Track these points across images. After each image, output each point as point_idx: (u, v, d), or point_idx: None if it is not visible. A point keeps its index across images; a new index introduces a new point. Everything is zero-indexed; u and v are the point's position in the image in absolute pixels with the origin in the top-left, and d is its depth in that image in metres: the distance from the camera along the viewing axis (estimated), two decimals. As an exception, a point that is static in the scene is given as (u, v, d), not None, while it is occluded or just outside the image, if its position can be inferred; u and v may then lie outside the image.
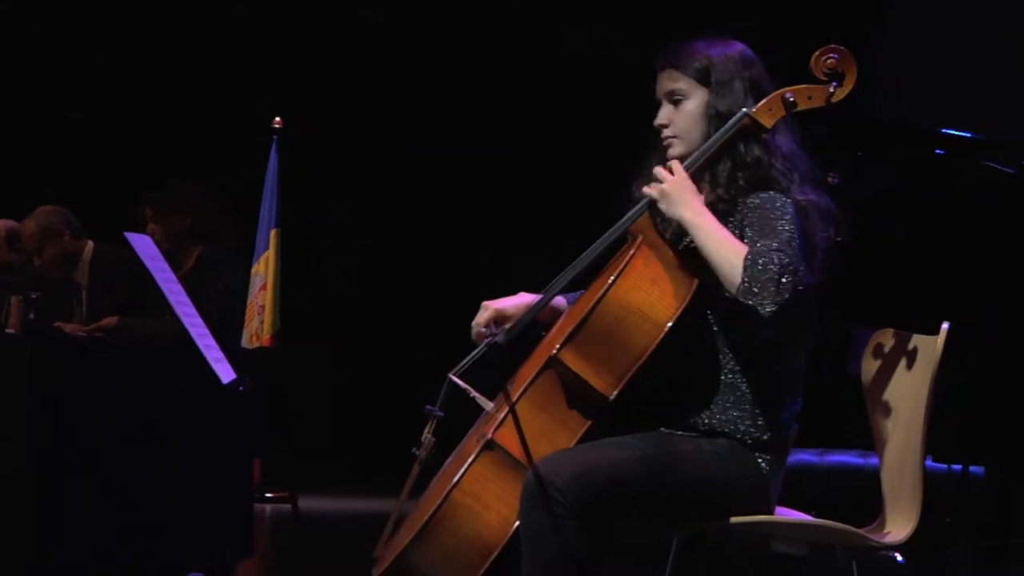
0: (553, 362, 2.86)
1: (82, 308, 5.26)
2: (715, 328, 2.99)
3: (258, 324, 5.43)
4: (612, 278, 2.88)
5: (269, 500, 5.06)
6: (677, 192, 2.95)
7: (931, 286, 4.05)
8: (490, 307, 3.15)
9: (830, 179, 3.18)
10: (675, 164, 2.98)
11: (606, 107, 5.96)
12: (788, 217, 2.92)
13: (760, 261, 2.82)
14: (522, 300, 3.15)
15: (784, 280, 2.78)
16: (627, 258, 2.91)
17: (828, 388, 3.20)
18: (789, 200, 2.97)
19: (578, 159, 6.31)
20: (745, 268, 2.82)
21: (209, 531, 4.50)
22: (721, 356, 2.98)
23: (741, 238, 2.94)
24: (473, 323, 3.14)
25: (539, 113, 6.45)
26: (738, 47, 3.11)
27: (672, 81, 3.08)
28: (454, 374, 3.02)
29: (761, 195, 2.98)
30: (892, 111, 5.32)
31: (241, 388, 4.34)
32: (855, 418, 3.27)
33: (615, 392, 2.85)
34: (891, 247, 4.05)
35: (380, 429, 6.07)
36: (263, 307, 5.44)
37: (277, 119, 5.43)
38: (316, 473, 5.89)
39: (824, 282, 3.00)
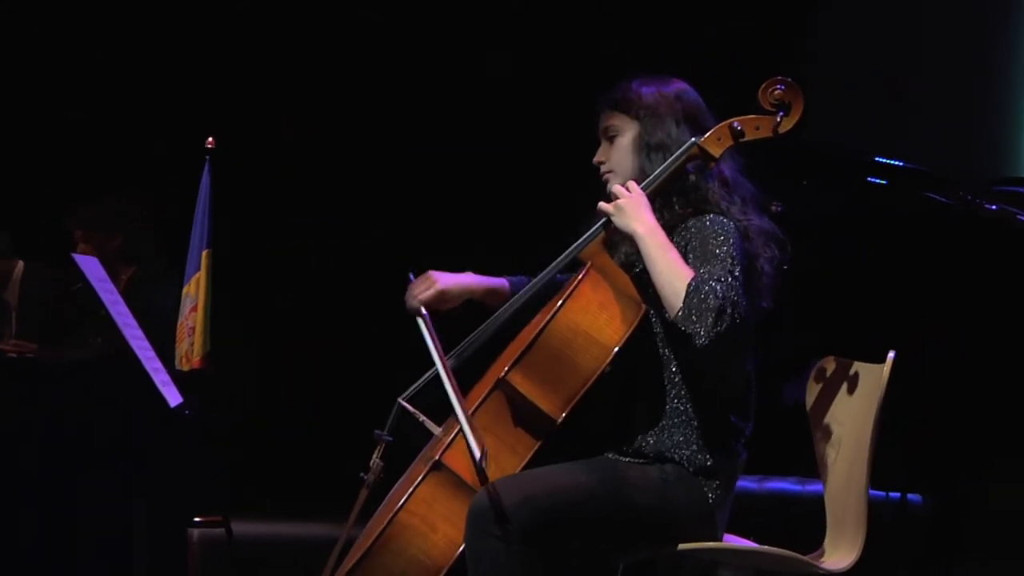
0: (501, 384, 2.88)
1: (11, 328, 5.28)
2: (661, 353, 3.00)
3: (188, 346, 5.27)
4: (560, 301, 2.89)
5: (201, 525, 4.97)
6: (633, 207, 2.95)
7: (870, 314, 4.16)
8: (436, 284, 3.11)
9: (773, 207, 3.22)
10: (632, 183, 3.00)
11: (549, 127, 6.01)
12: (729, 240, 2.92)
13: (703, 290, 2.83)
14: (467, 281, 3.16)
15: (723, 312, 2.80)
16: (576, 282, 2.91)
17: (766, 414, 3.19)
18: (729, 222, 2.98)
19: (523, 180, 6.36)
20: (687, 294, 2.84)
21: (140, 555, 4.44)
22: (667, 381, 2.99)
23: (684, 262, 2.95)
24: (412, 292, 3.10)
25: (483, 128, 6.42)
26: (675, 85, 3.13)
27: (607, 118, 3.13)
28: (403, 399, 3.03)
29: (702, 218, 2.99)
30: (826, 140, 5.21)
31: (187, 412, 4.32)
32: (794, 445, 3.35)
33: (563, 415, 2.86)
34: (827, 275, 4.16)
35: (326, 454, 6.04)
36: (193, 329, 5.29)
37: (210, 139, 5.34)
38: (252, 498, 5.86)
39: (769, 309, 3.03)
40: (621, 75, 3.18)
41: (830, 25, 5.94)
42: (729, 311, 2.79)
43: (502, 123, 6.23)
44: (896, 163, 4.28)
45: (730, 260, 2.91)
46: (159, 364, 4.35)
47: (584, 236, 3.03)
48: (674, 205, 3.04)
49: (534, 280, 3.09)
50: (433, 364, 2.99)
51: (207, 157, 5.36)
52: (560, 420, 2.86)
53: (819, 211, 4.20)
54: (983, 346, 4.00)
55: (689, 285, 2.84)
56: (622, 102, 3.12)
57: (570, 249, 3.03)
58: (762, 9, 5.90)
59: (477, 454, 2.75)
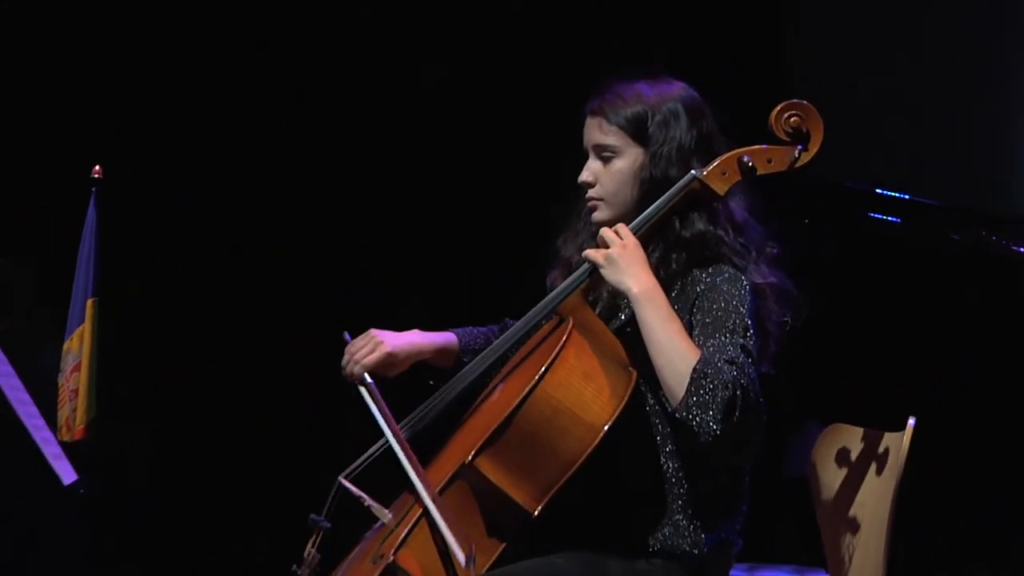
0: (466, 471, 2.81)
1: None
2: (654, 427, 2.95)
3: (70, 412, 5.07)
4: (539, 373, 2.81)
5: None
6: (627, 260, 2.86)
7: (884, 376, 4.12)
8: (382, 345, 3.05)
9: (768, 249, 3.18)
10: (623, 228, 2.91)
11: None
12: (743, 304, 2.86)
13: (709, 373, 2.74)
14: (415, 341, 3.16)
15: (735, 401, 2.73)
16: (557, 347, 2.83)
17: (760, 490, 3.18)
18: (743, 279, 2.93)
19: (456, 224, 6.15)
20: (692, 380, 2.76)
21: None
22: (659, 460, 2.96)
23: (688, 324, 2.86)
24: (353, 356, 3.03)
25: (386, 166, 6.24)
26: (680, 91, 3.04)
27: (602, 134, 3.03)
28: (345, 478, 2.97)
29: (713, 273, 2.91)
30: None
31: (83, 491, 4.27)
32: (792, 527, 3.47)
33: (539, 507, 2.81)
34: (834, 329, 4.10)
35: (249, 543, 5.84)
36: (76, 391, 5.09)
37: (96, 168, 5.17)
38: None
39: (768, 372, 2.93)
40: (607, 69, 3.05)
41: (819, 27, 6.05)
42: (742, 400, 2.71)
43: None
44: (911, 199, 4.26)
45: (743, 331, 2.83)
46: (50, 435, 4.28)
47: (564, 285, 2.95)
48: (672, 255, 2.97)
49: (499, 339, 3.02)
50: (381, 435, 2.94)
51: (93, 189, 5.17)
52: (537, 512, 2.81)
53: (819, 252, 4.14)
54: (1016, 411, 3.99)
55: (695, 368, 2.74)
56: (629, 120, 3.00)
57: (547, 301, 2.95)
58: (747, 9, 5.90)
59: (462, 558, 2.65)
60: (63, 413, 5.09)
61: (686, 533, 2.93)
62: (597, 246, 2.96)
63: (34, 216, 5.87)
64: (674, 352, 2.79)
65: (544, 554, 2.94)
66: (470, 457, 2.82)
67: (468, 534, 2.78)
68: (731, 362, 2.79)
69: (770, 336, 2.99)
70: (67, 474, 4.25)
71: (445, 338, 3.24)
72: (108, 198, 5.14)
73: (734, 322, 2.86)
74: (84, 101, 6.11)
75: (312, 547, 2.98)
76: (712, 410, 2.72)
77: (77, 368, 5.13)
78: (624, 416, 2.86)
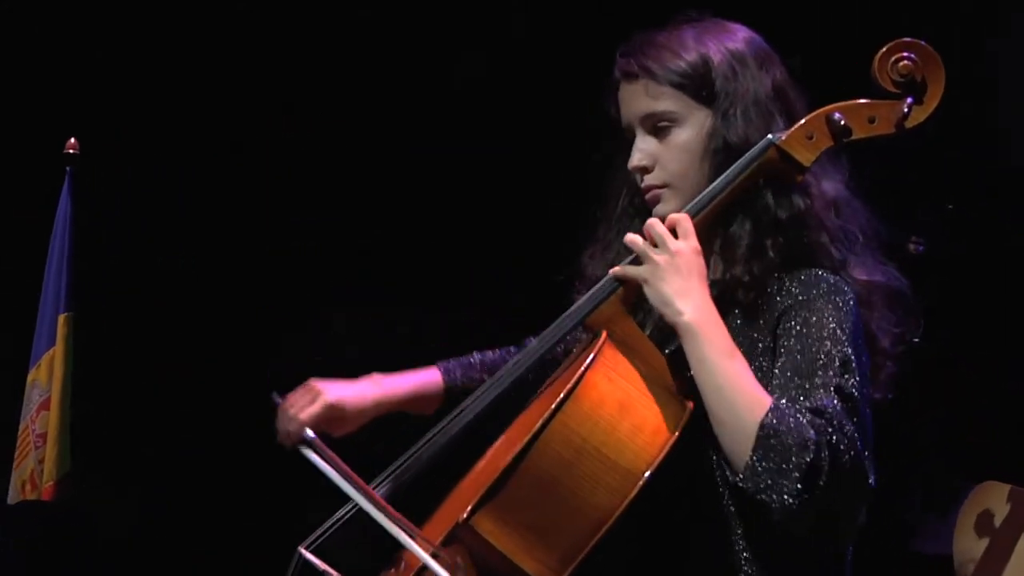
0: (462, 532, 2.69)
1: None
2: (715, 472, 2.81)
3: (35, 464, 5.01)
4: (555, 402, 2.69)
5: None
6: (684, 273, 2.76)
7: None
8: (322, 395, 3.03)
9: (912, 246, 3.24)
10: (685, 222, 2.78)
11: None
12: (845, 323, 2.74)
13: (782, 430, 2.62)
14: (370, 392, 3.11)
15: (822, 466, 2.60)
16: (581, 369, 2.72)
17: (878, 568, 3.12)
18: (847, 288, 2.79)
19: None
20: (760, 439, 2.63)
21: None
22: (724, 528, 2.81)
23: (768, 354, 2.77)
24: (288, 413, 3.01)
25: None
26: (742, 34, 2.95)
27: (652, 99, 2.90)
28: (306, 547, 2.94)
29: (811, 280, 2.80)
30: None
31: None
32: None
33: None
34: (973, 350, 4.02)
35: None
36: (43, 436, 5.01)
37: (71, 141, 5.06)
38: None
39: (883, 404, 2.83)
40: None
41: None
42: (830, 463, 2.60)
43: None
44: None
45: (842, 367, 2.71)
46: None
47: (596, 290, 2.83)
48: (766, 251, 2.84)
49: (512, 363, 2.98)
50: (345, 498, 2.91)
51: (68, 169, 5.13)
52: None
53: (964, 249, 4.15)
54: None
55: (763, 422, 2.63)
56: (686, 74, 2.88)
57: (574, 310, 2.86)
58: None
59: None
60: (24, 467, 5.05)
61: None
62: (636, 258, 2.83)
63: None
64: (736, 400, 2.69)
65: None
66: (465, 515, 2.68)
67: None
68: (818, 412, 2.66)
69: (884, 355, 2.86)
70: None
71: (420, 381, 3.19)
72: (87, 182, 5.16)
73: (829, 354, 2.73)
74: (56, 69, 5.83)
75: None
76: (786, 479, 2.62)
77: (46, 405, 5.08)
78: (674, 461, 2.72)
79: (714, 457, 2.82)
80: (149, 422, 5.63)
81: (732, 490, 2.81)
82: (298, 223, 5.70)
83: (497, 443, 2.97)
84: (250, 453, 5.01)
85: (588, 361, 2.76)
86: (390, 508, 2.84)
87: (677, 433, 2.75)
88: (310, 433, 3.00)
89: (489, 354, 3.27)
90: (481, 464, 2.97)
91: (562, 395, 2.73)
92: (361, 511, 2.89)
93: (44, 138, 5.12)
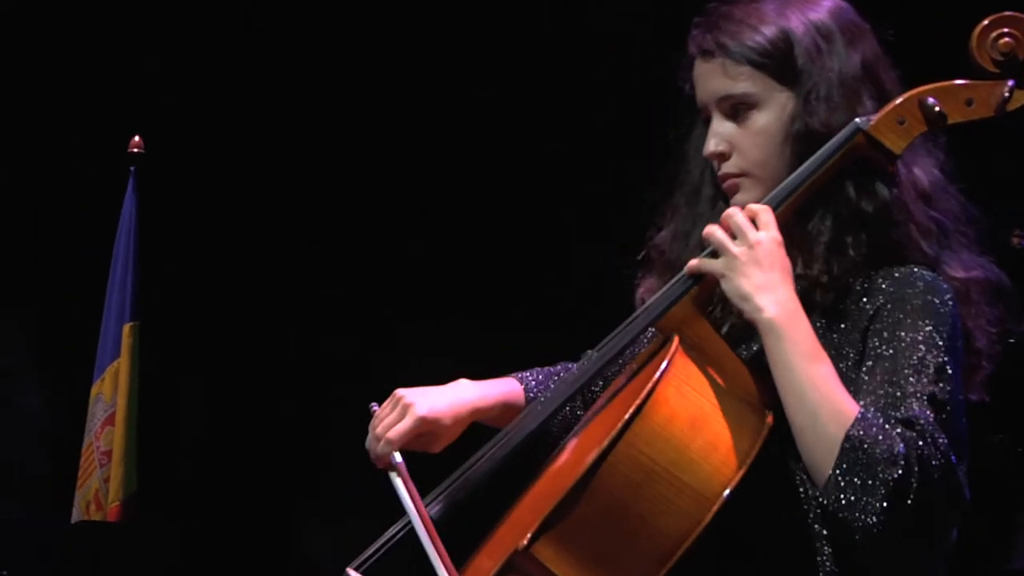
0: (521, 561, 2.64)
1: None
2: (799, 490, 2.76)
3: (99, 483, 4.96)
4: (622, 420, 2.65)
5: None
6: (765, 267, 2.69)
7: None
8: (412, 408, 2.95)
9: (1016, 239, 3.21)
10: (765, 213, 2.72)
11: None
12: (944, 334, 2.68)
13: (869, 442, 2.57)
14: (463, 397, 3.03)
15: (910, 483, 2.55)
16: (651, 381, 2.66)
17: None
18: (946, 287, 2.72)
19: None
20: (844, 451, 2.58)
21: None
22: (810, 553, 2.74)
23: (856, 359, 2.72)
24: (377, 431, 2.95)
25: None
26: (828, 4, 2.86)
27: (729, 79, 2.83)
28: (355, 568, 2.91)
29: (905, 278, 2.74)
30: None
31: None
32: None
33: None
34: None
35: None
36: (108, 454, 4.95)
37: (135, 139, 5.04)
38: None
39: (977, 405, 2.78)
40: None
41: None
42: (919, 479, 2.55)
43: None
44: None
45: (936, 374, 2.65)
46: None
47: (661, 294, 2.79)
48: (847, 238, 2.78)
49: (573, 373, 2.98)
50: (407, 520, 2.88)
51: (132, 169, 5.13)
52: None
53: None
54: None
55: (849, 434, 2.58)
56: (766, 51, 2.81)
57: (642, 312, 2.80)
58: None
59: None
60: (90, 484, 5.04)
61: None
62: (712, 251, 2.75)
63: (42, 209, 5.62)
64: (820, 408, 2.63)
65: None
66: (525, 542, 2.63)
67: None
68: (909, 423, 2.58)
69: (980, 355, 2.77)
70: None
71: (505, 389, 3.09)
72: (152, 182, 5.17)
73: (923, 360, 2.65)
74: (118, 62, 5.80)
75: None
76: (871, 496, 2.56)
77: (110, 421, 5.05)
78: (753, 479, 2.65)
79: (799, 473, 2.76)
80: (220, 438, 5.61)
81: (820, 508, 2.73)
82: (381, 223, 5.65)
83: (558, 460, 2.90)
84: (324, 468, 5.32)
85: (658, 373, 2.67)
86: (437, 538, 2.81)
87: (756, 451, 2.68)
88: (398, 457, 2.90)
89: (554, 368, 3.20)
90: (540, 484, 2.89)
91: (631, 412, 2.64)
92: (413, 536, 2.83)
93: (106, 136, 5.10)
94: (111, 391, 5.04)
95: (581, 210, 5.52)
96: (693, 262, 2.71)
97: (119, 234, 5.08)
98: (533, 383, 3.12)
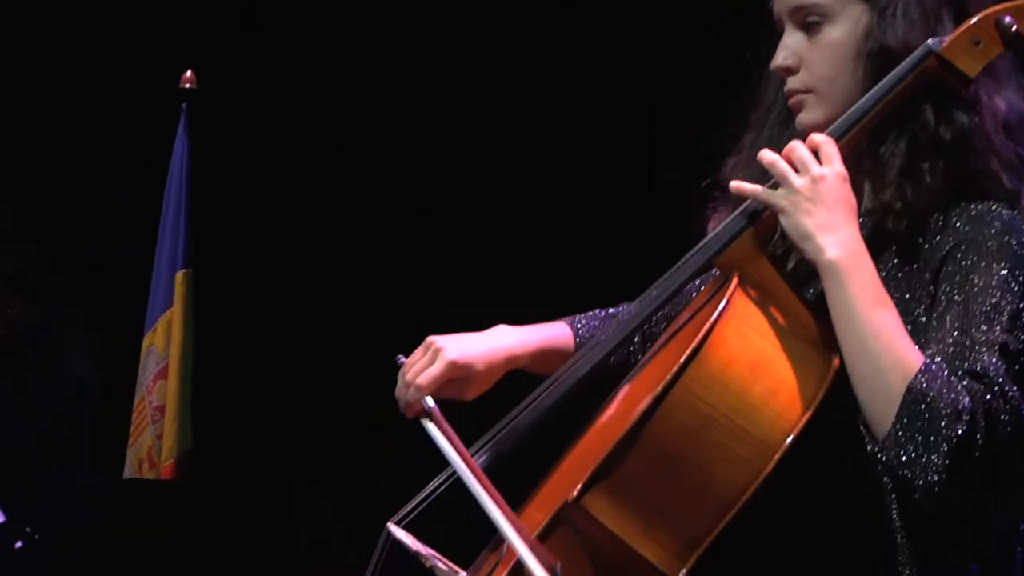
0: (570, 513, 2.64)
1: None
2: (865, 444, 2.74)
3: (152, 440, 4.94)
4: (678, 364, 2.65)
5: None
6: (828, 204, 2.68)
7: None
8: (442, 353, 2.97)
9: None
10: (828, 144, 2.70)
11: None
12: (1020, 273, 2.67)
13: (933, 395, 2.56)
14: (499, 342, 3.04)
15: (976, 439, 2.54)
16: (708, 323, 2.66)
17: None
18: (1021, 222, 2.72)
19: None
20: (905, 404, 2.57)
21: None
22: (880, 501, 2.73)
23: (925, 303, 2.71)
24: (407, 378, 2.96)
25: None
26: None
27: None
28: (396, 523, 2.92)
29: (981, 216, 2.72)
30: None
31: (20, 544, 4.27)
32: None
33: (684, 568, 2.62)
34: None
35: None
36: (161, 409, 4.92)
37: (187, 74, 4.98)
38: None
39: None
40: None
41: None
42: (986, 435, 2.53)
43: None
44: None
45: (1010, 316, 2.62)
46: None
47: (726, 224, 2.76)
48: (923, 164, 2.73)
49: (625, 315, 2.97)
50: (448, 472, 2.91)
51: (183, 106, 5.08)
52: None
53: None
54: None
55: (911, 386, 2.57)
56: None
57: (700, 248, 2.79)
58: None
59: None
60: (143, 441, 5.02)
61: None
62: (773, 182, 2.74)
63: (88, 151, 5.50)
64: (882, 357, 2.62)
65: None
66: (575, 494, 2.62)
67: None
68: (978, 376, 2.56)
69: None
70: None
71: (551, 334, 3.09)
72: (205, 120, 5.12)
73: (997, 307, 2.62)
74: None
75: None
76: (933, 453, 2.55)
77: (163, 374, 5.04)
78: (818, 428, 2.64)
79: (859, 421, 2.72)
80: (281, 389, 5.56)
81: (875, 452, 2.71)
82: (434, 166, 5.59)
83: (611, 408, 2.86)
84: (391, 418, 5.18)
85: (716, 314, 2.64)
86: (489, 485, 2.76)
87: (820, 396, 2.62)
88: (430, 402, 2.89)
89: (611, 311, 3.15)
90: (592, 433, 2.85)
91: (686, 355, 2.62)
92: (460, 485, 2.80)
93: (156, 72, 5.06)
94: (163, 342, 5.01)
95: (579, 211, 5.48)
96: (755, 188, 2.67)
97: (170, 176, 5.07)
98: (584, 327, 3.09)
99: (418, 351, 2.97)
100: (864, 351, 2.62)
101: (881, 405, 2.60)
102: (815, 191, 2.66)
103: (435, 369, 2.91)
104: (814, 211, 2.66)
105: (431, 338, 2.95)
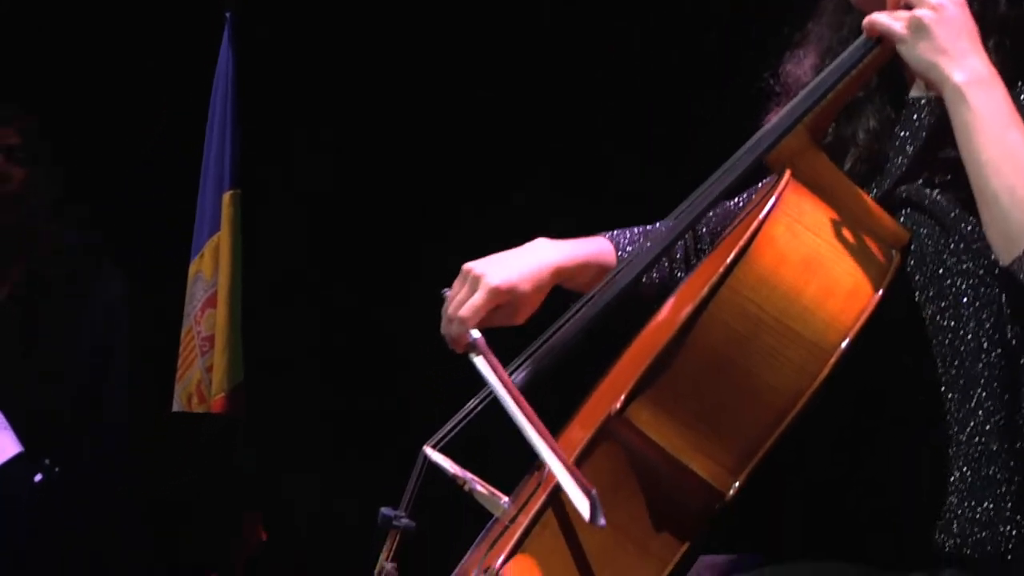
0: (616, 426, 2.63)
1: None
2: (944, 344, 2.76)
3: (202, 373, 4.88)
4: (725, 264, 2.63)
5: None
6: (953, 29, 2.65)
7: None
8: (483, 280, 2.93)
9: None
10: None
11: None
12: None
13: None
14: (539, 258, 3.00)
15: None
16: (756, 221, 2.64)
17: None
18: None
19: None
20: None
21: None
22: (955, 396, 2.74)
23: None
24: (450, 312, 2.93)
25: None
26: None
27: None
28: (432, 446, 2.93)
29: None
30: None
31: (41, 476, 4.25)
32: None
33: (736, 482, 2.60)
34: None
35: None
36: (210, 339, 4.84)
37: None
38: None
39: None
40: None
41: None
42: None
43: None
44: None
45: None
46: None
47: (804, 95, 2.71)
48: (989, 42, 2.69)
49: (666, 226, 2.90)
50: (486, 393, 2.87)
51: (227, 15, 5.04)
52: (731, 492, 2.57)
53: None
54: None
55: None
56: None
57: (756, 140, 2.72)
58: None
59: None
60: (191, 374, 5.00)
61: (999, 525, 2.64)
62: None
63: (126, 64, 5.37)
64: (1019, 175, 2.62)
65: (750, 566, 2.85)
66: (619, 405, 2.58)
67: (607, 537, 2.64)
68: None
69: None
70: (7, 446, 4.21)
71: (593, 248, 3.05)
72: (251, 30, 5.09)
73: None
74: None
75: (386, 558, 2.81)
76: None
77: (212, 302, 4.97)
78: (878, 326, 2.61)
79: (933, 316, 2.73)
80: (334, 318, 5.44)
81: (968, 331, 2.71)
82: (484, 89, 5.42)
83: (656, 318, 2.82)
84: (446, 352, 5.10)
85: (765, 211, 2.59)
86: (526, 405, 2.72)
87: (880, 293, 2.58)
88: (475, 334, 2.85)
89: (650, 227, 3.11)
90: (636, 345, 2.82)
91: (733, 254, 2.57)
92: (496, 408, 2.78)
93: None
94: (211, 269, 4.93)
95: (581, 210, 5.08)
96: (876, 18, 2.61)
97: (215, 91, 5.01)
98: (626, 240, 3.03)
99: (457, 282, 2.90)
100: (999, 172, 2.60)
101: (1016, 223, 2.58)
102: (938, 17, 2.62)
103: (478, 298, 2.86)
104: (937, 35, 2.63)
105: (468, 265, 2.89)
